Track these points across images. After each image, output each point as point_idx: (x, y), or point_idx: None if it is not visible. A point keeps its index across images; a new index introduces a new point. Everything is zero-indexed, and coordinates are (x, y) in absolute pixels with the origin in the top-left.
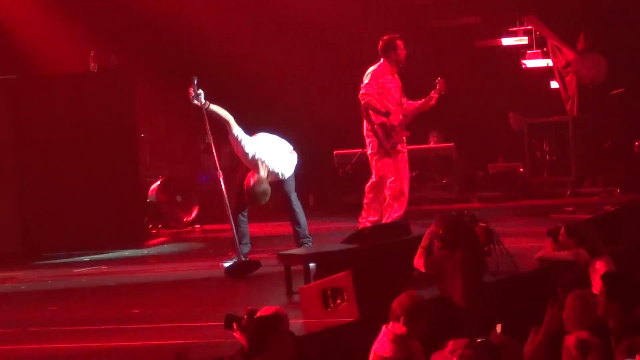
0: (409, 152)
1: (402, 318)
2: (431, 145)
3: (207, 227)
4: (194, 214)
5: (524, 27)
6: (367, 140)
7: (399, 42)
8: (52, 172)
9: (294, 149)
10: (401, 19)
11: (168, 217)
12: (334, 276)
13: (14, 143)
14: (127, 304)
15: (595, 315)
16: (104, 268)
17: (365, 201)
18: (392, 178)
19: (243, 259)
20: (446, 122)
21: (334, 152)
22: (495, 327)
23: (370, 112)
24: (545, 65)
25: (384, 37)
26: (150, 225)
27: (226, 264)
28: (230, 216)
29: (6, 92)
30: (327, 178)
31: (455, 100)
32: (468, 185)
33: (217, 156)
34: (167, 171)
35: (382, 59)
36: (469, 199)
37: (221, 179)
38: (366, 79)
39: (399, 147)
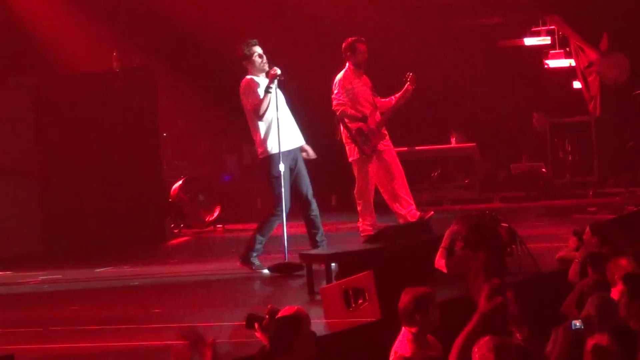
0: (430, 152)
1: (416, 316)
2: (453, 145)
3: (229, 226)
4: (215, 214)
5: (546, 27)
6: (347, 148)
7: (360, 45)
8: (74, 172)
9: (317, 148)
10: (424, 19)
11: (190, 217)
12: (355, 276)
13: (36, 143)
14: (148, 303)
15: (618, 316)
16: (126, 268)
17: (358, 208)
18: (387, 179)
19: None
20: (468, 122)
21: None
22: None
23: (346, 120)
24: (568, 65)
25: (347, 40)
26: (172, 225)
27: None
28: (284, 214)
29: (28, 92)
30: (350, 178)
31: (477, 100)
32: (490, 185)
33: None
34: (189, 171)
35: (347, 63)
36: (491, 199)
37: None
38: (335, 89)
39: (380, 147)
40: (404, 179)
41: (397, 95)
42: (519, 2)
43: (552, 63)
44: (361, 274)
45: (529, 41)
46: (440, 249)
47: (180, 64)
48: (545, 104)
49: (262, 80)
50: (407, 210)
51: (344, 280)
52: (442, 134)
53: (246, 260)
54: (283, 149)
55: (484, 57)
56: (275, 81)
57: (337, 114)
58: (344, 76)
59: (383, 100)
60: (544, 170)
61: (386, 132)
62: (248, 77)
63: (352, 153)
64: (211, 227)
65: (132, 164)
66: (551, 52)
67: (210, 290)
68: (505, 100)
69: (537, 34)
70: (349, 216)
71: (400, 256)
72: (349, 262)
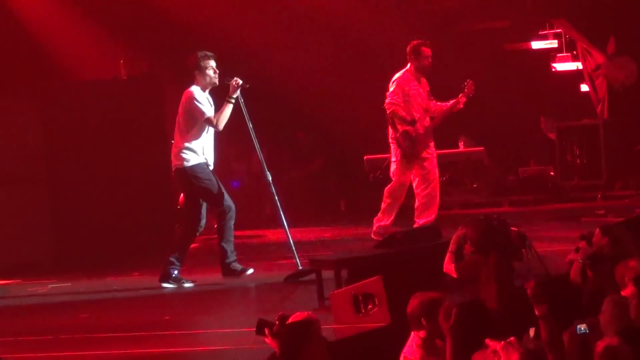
0: (439, 156)
1: (422, 321)
2: (461, 149)
3: (237, 233)
4: None
5: (553, 31)
6: (391, 147)
7: (424, 49)
8: (82, 180)
9: (325, 153)
10: (430, 23)
11: None
12: (365, 281)
13: (45, 151)
14: (158, 310)
15: (629, 319)
16: (135, 275)
17: (382, 205)
18: (422, 186)
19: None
20: (476, 126)
21: (365, 157)
22: (528, 331)
23: (396, 120)
24: (575, 68)
25: (412, 42)
26: None
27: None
28: (284, 221)
29: (36, 99)
30: (358, 183)
31: (484, 104)
32: (499, 189)
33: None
34: None
35: (408, 64)
36: (500, 203)
37: (271, 181)
38: (391, 87)
39: (425, 154)
40: (437, 190)
41: (451, 102)
42: (525, 6)
43: (560, 66)
44: (370, 279)
45: (536, 45)
46: (448, 254)
47: (187, 71)
48: (552, 107)
49: (206, 95)
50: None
51: (353, 285)
52: (450, 138)
53: (227, 271)
54: (209, 162)
55: (490, 61)
56: (238, 91)
57: (388, 112)
58: (403, 77)
59: (438, 104)
60: (552, 173)
61: (432, 140)
62: (194, 87)
63: (395, 153)
64: None
65: (140, 171)
66: (558, 55)
67: (219, 296)
68: (513, 104)
69: (544, 37)
70: (358, 221)
71: (410, 261)
72: (359, 267)
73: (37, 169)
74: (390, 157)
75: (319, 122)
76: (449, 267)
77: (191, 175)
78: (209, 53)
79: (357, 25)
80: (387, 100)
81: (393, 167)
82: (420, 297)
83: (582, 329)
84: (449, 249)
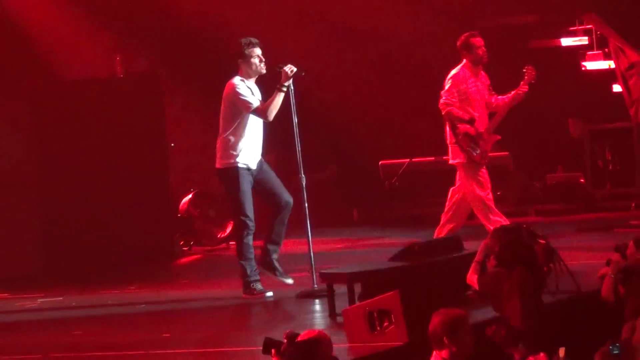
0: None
1: (445, 340)
2: None
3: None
4: (228, 230)
5: (583, 27)
6: (450, 149)
7: (474, 40)
8: (75, 185)
9: (337, 158)
10: (451, 18)
11: (200, 234)
12: (380, 297)
13: (35, 153)
14: (157, 327)
15: None
16: (132, 289)
17: (446, 216)
18: (487, 191)
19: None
20: (500, 129)
21: (380, 163)
22: (557, 351)
23: (454, 121)
24: (607, 67)
25: (461, 37)
26: (182, 243)
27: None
28: (309, 232)
29: (26, 98)
30: (372, 190)
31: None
32: (524, 197)
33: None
34: (199, 184)
35: (463, 60)
36: (526, 212)
37: (304, 186)
38: (446, 85)
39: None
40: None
41: (511, 93)
42: (553, 0)
43: (590, 65)
44: (386, 294)
45: (564, 42)
46: (473, 264)
47: (188, 68)
48: (582, 109)
49: (251, 85)
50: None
51: (368, 301)
52: None
53: (247, 289)
54: (251, 165)
55: (516, 59)
56: (291, 80)
57: (443, 113)
58: (459, 74)
59: (499, 97)
60: (582, 180)
61: (499, 137)
62: (238, 79)
63: (456, 154)
64: (223, 245)
65: (137, 177)
66: (589, 53)
67: (223, 313)
68: (539, 106)
69: (574, 33)
70: (371, 231)
71: (429, 275)
72: (374, 281)
73: (27, 174)
74: (446, 159)
75: (330, 125)
76: (472, 278)
77: (232, 176)
78: (253, 40)
79: (372, 23)
80: (441, 100)
81: (462, 172)
82: (443, 314)
83: (616, 349)
84: (475, 258)
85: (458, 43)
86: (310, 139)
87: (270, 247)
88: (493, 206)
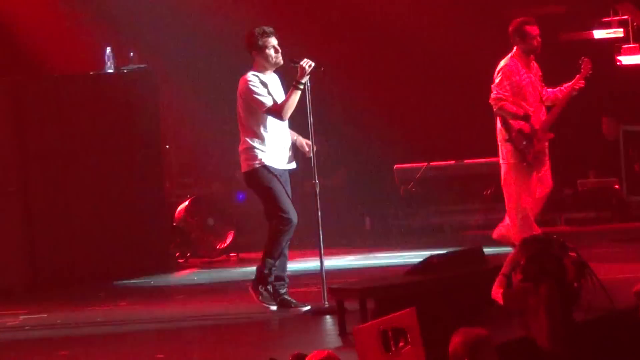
0: (481, 166)
1: None
2: None
3: (244, 255)
4: (228, 240)
5: (618, 17)
6: (501, 148)
7: (529, 29)
8: (61, 191)
9: (347, 162)
10: (474, 9)
11: (198, 244)
12: (395, 314)
13: (17, 157)
14: (150, 347)
15: None
16: (123, 304)
17: (511, 222)
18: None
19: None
20: None
21: (395, 167)
22: None
23: (507, 118)
24: None
25: (514, 22)
26: (177, 254)
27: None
28: (321, 243)
29: (8, 95)
30: (386, 197)
31: None
32: (553, 204)
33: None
34: (197, 189)
35: (514, 48)
36: (555, 221)
37: (318, 192)
38: (497, 78)
39: (544, 156)
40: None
41: (566, 86)
42: None
43: (626, 59)
44: (402, 311)
45: (597, 34)
46: (499, 276)
47: (184, 63)
48: (617, 107)
49: (269, 78)
50: None
51: (381, 319)
52: (495, 144)
53: (255, 288)
54: (278, 166)
55: (544, 53)
56: (307, 75)
57: (494, 109)
58: (509, 64)
59: (550, 91)
60: (616, 186)
61: (552, 135)
62: (251, 74)
63: (507, 155)
64: (223, 256)
65: (129, 182)
66: (624, 46)
67: (223, 331)
68: (570, 104)
69: (607, 25)
70: (385, 242)
71: (449, 290)
72: (388, 297)
73: (8, 178)
74: (497, 160)
75: (340, 124)
76: (497, 293)
77: (259, 177)
78: (267, 29)
79: (388, 13)
80: (492, 95)
81: (510, 174)
82: (464, 334)
83: None
84: (501, 271)
85: (510, 29)
86: (318, 140)
87: (277, 283)
88: (533, 222)
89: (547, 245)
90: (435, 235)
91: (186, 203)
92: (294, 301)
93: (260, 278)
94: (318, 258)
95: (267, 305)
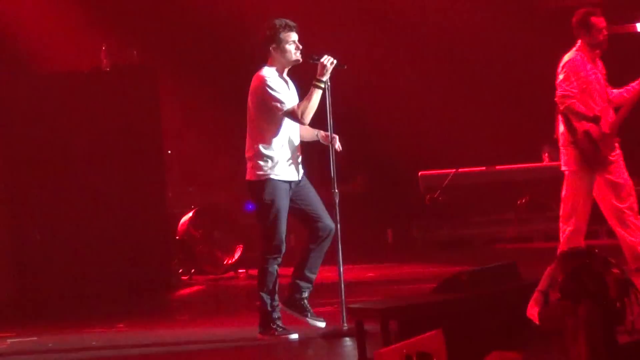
0: (515, 172)
1: None
2: (545, 163)
3: (254, 271)
4: (236, 255)
5: None
6: (564, 153)
7: (595, 20)
8: (52, 202)
9: (367, 168)
10: (506, 1)
11: (203, 259)
12: (420, 337)
13: (2, 164)
14: None
15: None
16: (120, 326)
17: (563, 232)
18: (613, 195)
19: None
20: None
21: (419, 173)
22: None
23: (573, 118)
24: None
25: (578, 12)
26: (180, 270)
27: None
28: (340, 256)
29: None
30: (410, 207)
31: None
32: (594, 215)
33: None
34: (202, 199)
35: (578, 42)
36: (596, 234)
37: (337, 202)
38: (561, 74)
39: (610, 157)
40: (635, 196)
41: (633, 85)
42: None
43: None
44: (428, 333)
45: None
46: (535, 293)
47: (189, 61)
48: None
49: (285, 79)
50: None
51: (405, 342)
52: (530, 148)
53: (266, 328)
54: (290, 177)
55: None
56: (329, 73)
57: (561, 108)
58: (574, 59)
59: (616, 92)
60: None
61: (618, 138)
62: (267, 70)
63: (569, 162)
64: (231, 273)
65: (127, 191)
66: None
67: (231, 356)
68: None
69: None
70: (409, 257)
71: (480, 310)
72: (412, 318)
73: None
74: (558, 164)
75: (360, 126)
76: (532, 310)
77: (264, 190)
78: (290, 23)
79: (413, 8)
80: (558, 92)
81: (572, 180)
82: (497, 358)
83: None
84: (538, 287)
85: (573, 20)
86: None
87: (302, 283)
88: (582, 235)
89: (588, 261)
90: (464, 249)
91: (190, 214)
92: (311, 311)
93: (265, 319)
94: (336, 275)
95: (287, 337)
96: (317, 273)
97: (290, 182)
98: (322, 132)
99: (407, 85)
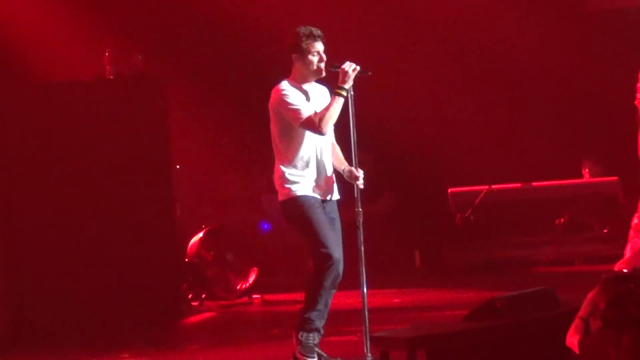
0: (554, 189)
1: None
2: (586, 179)
3: (270, 297)
4: (251, 279)
5: None
6: None
7: None
8: (51, 222)
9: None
10: (548, 3)
11: (215, 284)
12: None
13: None
14: None
15: None
16: (125, 356)
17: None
18: None
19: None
20: (606, 147)
21: (449, 191)
22: None
23: None
24: None
25: None
26: (190, 295)
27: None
28: (364, 281)
29: None
30: (439, 226)
31: (620, 115)
32: None
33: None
34: (213, 218)
35: None
36: None
37: (361, 223)
38: None
39: None
40: None
41: None
42: None
43: None
44: None
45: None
46: (575, 320)
47: (198, 67)
48: None
49: (309, 88)
50: None
51: None
52: (569, 163)
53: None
54: (319, 195)
55: (630, 54)
56: (351, 81)
57: None
58: None
59: None
60: None
61: None
62: (286, 82)
63: None
64: (245, 298)
65: (133, 209)
66: None
67: None
68: None
69: None
70: (438, 280)
71: (516, 339)
72: (442, 347)
73: None
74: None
75: (387, 139)
76: (572, 339)
77: (296, 206)
78: (315, 31)
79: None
80: (638, 95)
81: None
82: None
83: None
84: (578, 314)
85: None
86: (361, 159)
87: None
88: None
89: (633, 285)
90: (498, 273)
91: (200, 235)
92: (325, 355)
93: (302, 322)
94: (358, 301)
95: (305, 358)
96: (326, 317)
97: (322, 200)
98: (347, 167)
99: (436, 96)
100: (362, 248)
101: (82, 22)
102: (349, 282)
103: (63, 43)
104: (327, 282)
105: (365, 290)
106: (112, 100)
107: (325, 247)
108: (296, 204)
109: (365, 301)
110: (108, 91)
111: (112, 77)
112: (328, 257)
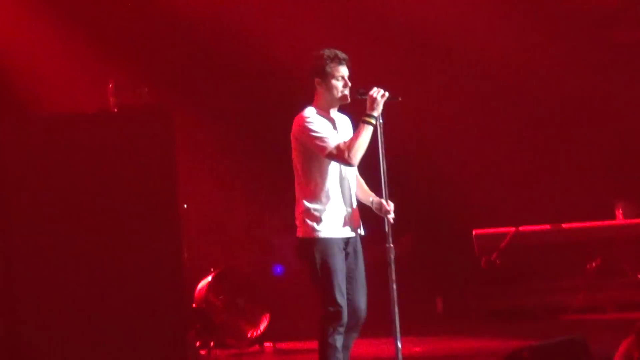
0: (585, 231)
1: None
2: (619, 220)
3: (282, 345)
4: (262, 326)
5: None
6: None
7: None
8: (49, 265)
9: (414, 225)
10: (577, 31)
11: (224, 331)
12: None
13: None
14: None
15: None
16: None
17: None
18: None
19: None
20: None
21: (474, 232)
22: None
23: None
24: None
25: None
26: (198, 343)
27: None
28: (397, 326)
29: None
30: (463, 270)
31: None
32: None
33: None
34: (223, 260)
35: None
36: None
37: (392, 260)
38: None
39: None
40: None
41: None
42: None
43: None
44: None
45: None
46: None
47: (208, 102)
48: None
49: (335, 116)
50: None
51: None
52: (602, 204)
53: None
54: (344, 235)
55: (595, 56)
56: (380, 108)
57: None
58: None
59: None
60: None
61: None
62: (310, 110)
63: None
64: (256, 347)
65: (137, 250)
66: None
67: None
68: None
69: None
70: (461, 328)
71: None
72: None
73: None
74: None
75: (407, 176)
76: None
77: (315, 249)
78: (340, 54)
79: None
80: None
81: None
82: None
83: None
84: None
85: None
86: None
87: None
88: None
89: None
90: (526, 321)
91: (209, 278)
92: None
93: None
94: (384, 349)
95: None
96: None
97: (345, 239)
98: (376, 198)
99: (460, 132)
100: (395, 286)
101: (85, 52)
102: (374, 328)
103: (64, 74)
104: (335, 341)
105: (398, 335)
106: (116, 134)
107: (335, 304)
108: (317, 246)
109: (399, 348)
110: (112, 124)
111: (116, 109)
112: (334, 316)
